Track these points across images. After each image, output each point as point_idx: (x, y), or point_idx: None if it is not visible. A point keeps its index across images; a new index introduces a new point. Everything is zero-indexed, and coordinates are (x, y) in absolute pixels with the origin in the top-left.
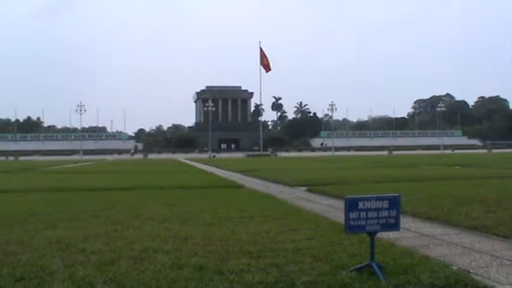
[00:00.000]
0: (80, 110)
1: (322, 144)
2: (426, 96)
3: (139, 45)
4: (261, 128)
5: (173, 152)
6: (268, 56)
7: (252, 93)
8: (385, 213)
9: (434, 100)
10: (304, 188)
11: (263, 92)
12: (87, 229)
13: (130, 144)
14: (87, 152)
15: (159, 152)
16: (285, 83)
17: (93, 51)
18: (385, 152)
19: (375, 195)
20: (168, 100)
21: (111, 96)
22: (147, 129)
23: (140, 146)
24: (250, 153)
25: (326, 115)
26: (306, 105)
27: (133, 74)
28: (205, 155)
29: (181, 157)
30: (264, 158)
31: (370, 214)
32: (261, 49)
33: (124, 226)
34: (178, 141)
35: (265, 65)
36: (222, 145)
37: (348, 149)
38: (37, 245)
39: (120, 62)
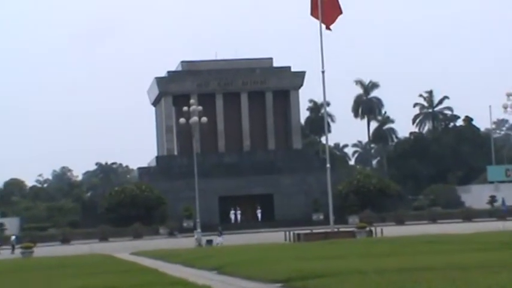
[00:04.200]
0: None
1: (493, 200)
2: None
3: None
4: (328, 165)
5: (102, 237)
6: None
7: (302, 75)
8: None
9: None
10: None
11: (333, 72)
12: None
13: None
14: None
15: (64, 239)
16: (386, 52)
17: None
18: None
19: None
20: (85, 103)
21: None
22: (30, 181)
23: (13, 225)
24: (304, 230)
25: (500, 121)
26: (444, 98)
27: None
28: (187, 241)
29: (123, 248)
30: (341, 241)
31: None
32: None
33: None
34: (115, 209)
35: (329, 8)
36: (232, 212)
37: None
38: None
39: None
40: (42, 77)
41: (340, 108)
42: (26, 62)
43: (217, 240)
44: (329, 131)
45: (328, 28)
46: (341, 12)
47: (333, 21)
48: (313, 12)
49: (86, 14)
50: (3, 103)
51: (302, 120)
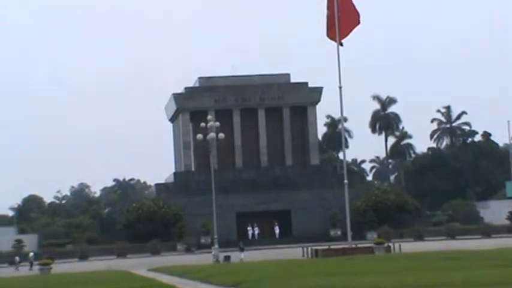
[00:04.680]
0: None
1: None
2: None
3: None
4: (345, 181)
5: (120, 253)
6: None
7: (319, 90)
8: None
9: None
10: None
11: (350, 87)
12: None
13: (7, 239)
14: None
15: (82, 255)
16: (404, 67)
17: None
18: None
19: None
20: (103, 119)
21: None
22: (49, 198)
23: (31, 241)
24: (322, 246)
25: None
26: (462, 114)
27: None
28: (205, 257)
29: (141, 265)
30: (359, 257)
31: None
32: None
33: None
34: (132, 225)
35: (344, 24)
36: (249, 228)
37: None
38: None
39: None
40: (59, 93)
41: (358, 123)
42: (41, 78)
43: (240, 255)
44: (346, 147)
45: (340, 44)
46: (358, 23)
47: (346, 35)
48: (330, 33)
49: (103, 29)
50: (22, 119)
51: (319, 136)
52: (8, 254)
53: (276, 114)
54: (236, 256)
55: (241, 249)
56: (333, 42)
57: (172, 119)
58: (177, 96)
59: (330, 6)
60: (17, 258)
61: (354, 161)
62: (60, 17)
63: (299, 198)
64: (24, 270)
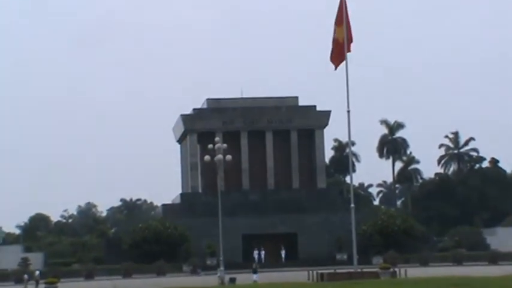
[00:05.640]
0: None
1: None
2: None
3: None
4: (352, 205)
5: (126, 274)
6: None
7: (327, 114)
8: None
9: None
10: None
11: (358, 111)
12: None
13: (13, 257)
14: None
15: (88, 275)
16: (412, 92)
17: None
18: None
19: None
20: (110, 139)
21: None
22: (55, 217)
23: (37, 260)
24: (328, 270)
25: None
26: (470, 140)
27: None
28: (210, 279)
29: (146, 285)
30: (365, 282)
31: None
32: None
33: None
34: (138, 245)
35: (348, 41)
36: (255, 251)
37: None
38: None
39: None
40: (66, 112)
41: (365, 148)
42: (47, 99)
43: (254, 277)
44: (354, 171)
45: (335, 68)
46: (349, 51)
47: (342, 61)
48: (334, 58)
49: (111, 48)
50: (29, 139)
51: (327, 160)
52: (14, 272)
53: (283, 137)
54: (246, 278)
55: (255, 272)
56: (343, 65)
57: (180, 140)
58: (185, 118)
59: (338, 23)
60: (25, 276)
61: (361, 185)
62: (68, 35)
63: (306, 221)
64: None
